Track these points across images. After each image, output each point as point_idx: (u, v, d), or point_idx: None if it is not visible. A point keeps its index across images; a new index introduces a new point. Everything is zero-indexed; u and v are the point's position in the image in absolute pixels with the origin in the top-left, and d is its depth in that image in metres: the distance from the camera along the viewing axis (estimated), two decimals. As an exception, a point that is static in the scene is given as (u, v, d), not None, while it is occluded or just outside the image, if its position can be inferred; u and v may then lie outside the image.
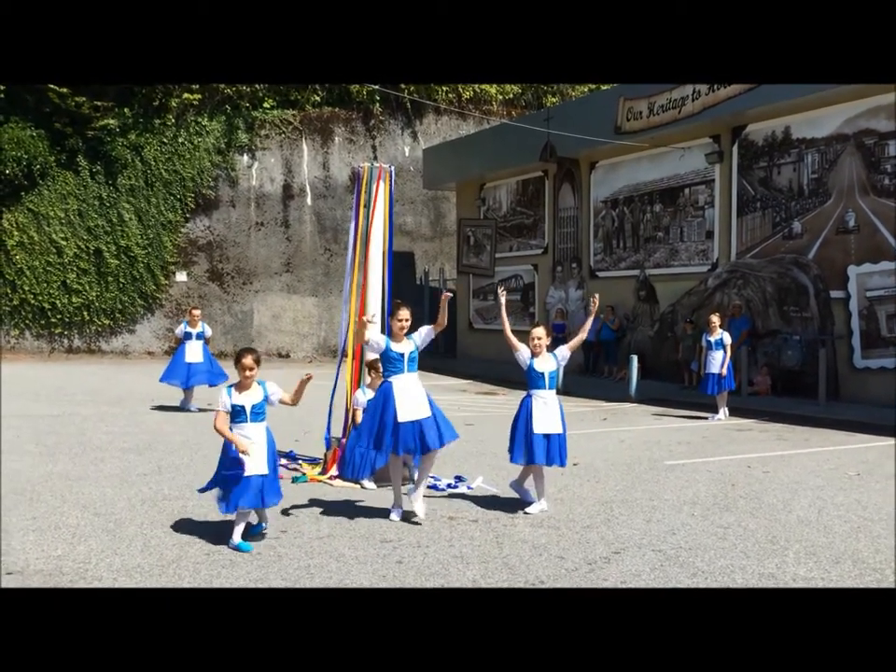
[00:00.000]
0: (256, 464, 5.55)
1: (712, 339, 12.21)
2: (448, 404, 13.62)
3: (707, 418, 12.07)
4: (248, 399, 5.63)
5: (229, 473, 5.58)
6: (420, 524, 6.15)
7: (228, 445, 5.63)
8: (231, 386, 5.73)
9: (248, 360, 5.60)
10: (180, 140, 22.06)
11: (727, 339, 12.14)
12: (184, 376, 12.21)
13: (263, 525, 5.84)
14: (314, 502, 6.83)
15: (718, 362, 11.96)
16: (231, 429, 5.61)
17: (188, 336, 12.44)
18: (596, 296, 7.24)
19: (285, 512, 6.42)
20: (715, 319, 12.37)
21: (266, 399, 5.70)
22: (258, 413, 5.64)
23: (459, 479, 7.68)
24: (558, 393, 6.87)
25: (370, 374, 7.81)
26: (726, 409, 12.14)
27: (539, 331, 6.80)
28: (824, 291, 13.67)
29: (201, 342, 12.44)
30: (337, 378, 8.35)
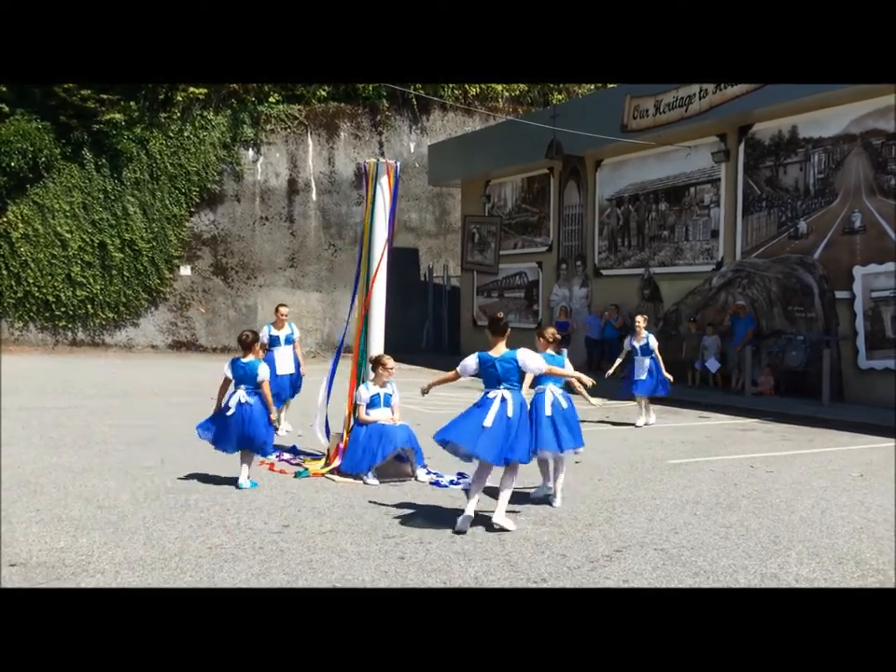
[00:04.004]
0: None
1: (637, 344, 11.16)
2: (451, 401, 13.62)
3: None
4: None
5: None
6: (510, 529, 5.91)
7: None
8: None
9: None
10: (185, 134, 22.05)
11: (653, 342, 11.14)
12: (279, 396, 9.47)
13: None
14: (316, 497, 6.84)
15: (646, 369, 11.03)
16: None
17: (274, 341, 9.71)
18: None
19: (287, 508, 6.43)
20: (641, 321, 11.35)
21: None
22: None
23: (462, 475, 7.68)
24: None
25: (373, 370, 7.80)
26: (652, 413, 11.44)
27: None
28: (829, 292, 13.64)
29: (290, 346, 9.86)
30: (333, 373, 8.35)
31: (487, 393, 5.96)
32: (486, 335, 6.17)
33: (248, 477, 7.17)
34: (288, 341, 9.82)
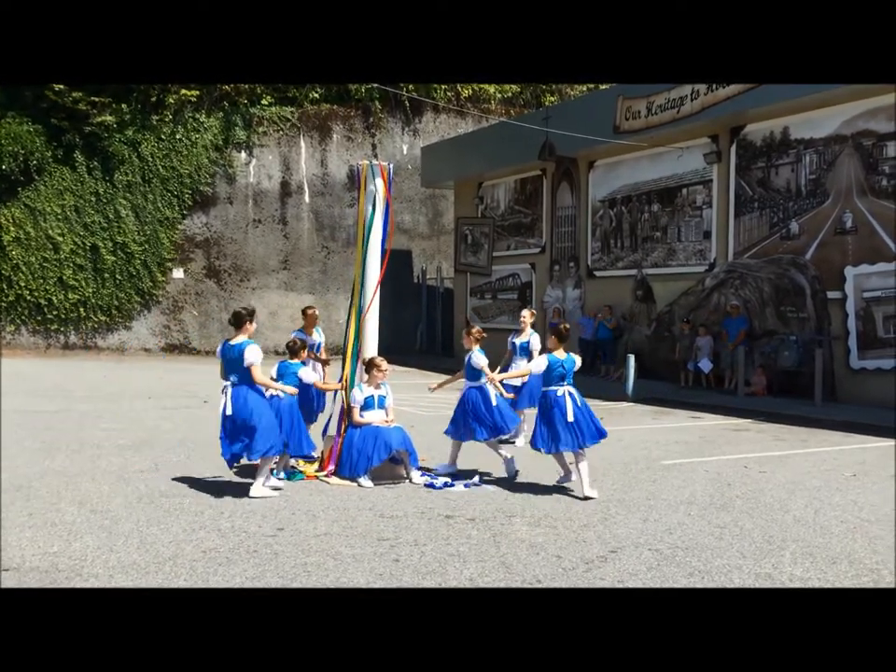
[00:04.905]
0: None
1: (517, 341, 9.60)
2: (444, 403, 13.60)
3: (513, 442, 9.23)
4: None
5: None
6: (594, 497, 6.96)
7: None
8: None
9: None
10: (178, 136, 22.01)
11: (535, 343, 9.46)
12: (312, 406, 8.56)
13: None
14: (310, 500, 6.83)
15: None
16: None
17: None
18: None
19: (281, 511, 6.42)
20: (527, 316, 9.75)
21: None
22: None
23: (456, 477, 7.67)
24: None
25: (367, 372, 7.81)
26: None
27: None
28: (821, 292, 13.69)
29: (317, 353, 9.00)
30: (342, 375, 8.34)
31: (556, 391, 7.14)
32: (552, 341, 7.34)
33: (278, 470, 7.57)
34: (318, 347, 9.06)
